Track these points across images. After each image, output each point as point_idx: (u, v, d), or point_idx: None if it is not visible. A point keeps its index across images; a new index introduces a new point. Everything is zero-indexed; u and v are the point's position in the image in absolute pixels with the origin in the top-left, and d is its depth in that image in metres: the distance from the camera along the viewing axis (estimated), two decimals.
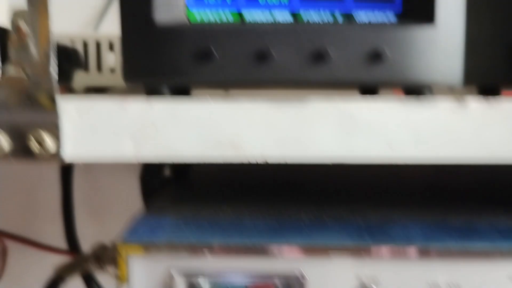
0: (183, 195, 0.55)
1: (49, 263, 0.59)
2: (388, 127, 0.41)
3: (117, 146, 0.41)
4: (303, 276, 0.38)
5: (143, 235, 0.38)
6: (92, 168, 0.91)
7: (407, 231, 0.40)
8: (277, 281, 0.38)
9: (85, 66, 0.66)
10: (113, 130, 0.41)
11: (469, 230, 0.40)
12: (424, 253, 0.37)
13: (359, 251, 0.37)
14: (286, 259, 0.38)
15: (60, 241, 0.81)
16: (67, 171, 0.84)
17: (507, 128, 0.40)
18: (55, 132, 0.41)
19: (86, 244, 0.68)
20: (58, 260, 0.59)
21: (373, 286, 0.38)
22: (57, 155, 0.41)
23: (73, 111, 0.41)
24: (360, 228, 0.41)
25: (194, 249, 0.37)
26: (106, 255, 0.51)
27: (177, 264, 0.38)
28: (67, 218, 0.83)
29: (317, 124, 0.41)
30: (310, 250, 0.37)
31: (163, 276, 0.38)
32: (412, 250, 0.37)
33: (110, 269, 0.51)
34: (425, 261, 0.38)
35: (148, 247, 0.37)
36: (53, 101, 0.41)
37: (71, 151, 0.41)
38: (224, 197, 0.49)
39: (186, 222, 0.42)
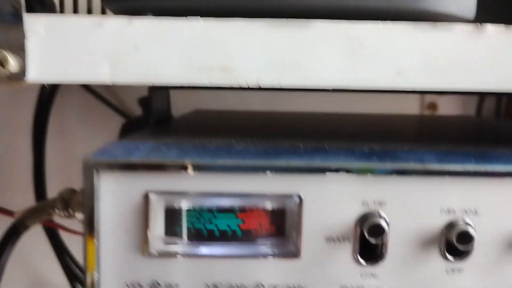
0: (165, 131, 0.50)
1: None
2: (398, 53, 0.36)
3: (91, 67, 0.36)
4: (300, 198, 0.33)
5: (117, 155, 0.33)
6: (67, 134, 0.86)
7: (420, 155, 0.35)
8: (270, 204, 0.33)
9: (60, 9, 0.60)
10: (86, 50, 0.36)
11: (485, 156, 0.36)
12: (438, 174, 0.33)
13: (364, 171, 0.33)
14: (281, 179, 0.33)
15: None
16: (39, 138, 0.80)
17: None
18: (19, 51, 0.36)
19: None
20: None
21: (379, 209, 0.33)
22: (20, 75, 0.36)
23: (40, 28, 0.36)
24: (367, 153, 0.36)
25: (175, 167, 0.32)
26: (74, 200, 0.46)
27: (155, 185, 0.32)
28: (39, 189, 0.80)
29: (320, 47, 0.36)
30: (309, 170, 0.33)
31: (138, 198, 0.33)
32: (423, 170, 0.33)
33: (79, 215, 0.46)
34: (438, 184, 0.33)
35: (122, 164, 0.32)
36: (18, 16, 0.36)
37: (36, 71, 0.36)
38: (210, 135, 0.44)
39: (168, 145, 0.37)
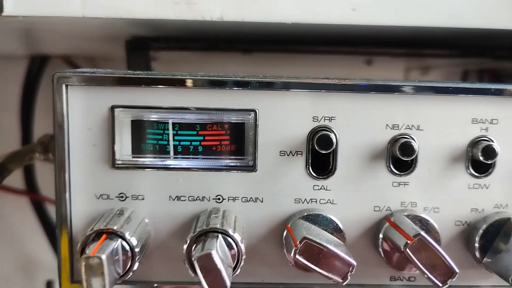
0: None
1: None
2: None
3: (64, 0, 0.39)
4: (255, 113, 0.36)
5: (85, 71, 0.35)
6: None
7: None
8: (228, 119, 0.36)
9: None
10: None
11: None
12: (383, 89, 0.36)
13: (316, 85, 0.36)
14: (240, 93, 0.36)
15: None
16: (27, 114, 0.82)
17: None
18: None
19: None
20: None
21: (328, 123, 0.36)
22: None
23: None
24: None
25: (140, 81, 0.35)
26: (53, 145, 0.48)
27: (121, 99, 0.35)
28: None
29: None
30: (265, 84, 0.35)
31: (105, 112, 0.35)
32: (369, 85, 0.36)
33: None
34: (384, 100, 0.36)
35: (88, 78, 0.34)
36: None
37: (12, 5, 0.38)
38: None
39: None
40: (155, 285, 0.39)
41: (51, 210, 0.82)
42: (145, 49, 0.63)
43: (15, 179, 0.80)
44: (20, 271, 0.90)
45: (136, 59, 0.61)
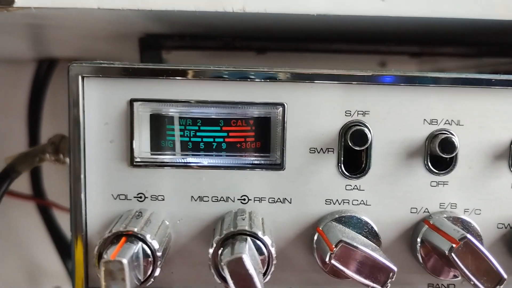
0: None
1: None
2: None
3: None
4: (284, 107, 0.33)
5: (102, 62, 0.33)
6: (62, 115, 0.86)
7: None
8: (254, 114, 0.34)
9: None
10: None
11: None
12: (420, 81, 0.33)
13: (349, 77, 0.33)
14: (266, 85, 0.33)
15: None
16: (34, 119, 0.80)
17: None
18: None
19: None
20: None
21: (361, 118, 0.34)
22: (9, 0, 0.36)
23: None
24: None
25: (163, 72, 0.32)
26: (64, 145, 0.46)
27: (139, 92, 0.33)
28: (34, 169, 0.80)
29: None
30: (294, 75, 0.33)
31: (123, 106, 0.33)
32: (404, 76, 0.33)
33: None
34: (421, 94, 0.34)
35: (105, 69, 0.32)
36: None
37: None
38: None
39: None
40: None
41: (58, 215, 0.80)
42: (157, 49, 0.62)
43: (22, 183, 0.78)
44: (26, 278, 0.88)
45: (148, 59, 0.59)
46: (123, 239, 0.30)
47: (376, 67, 0.78)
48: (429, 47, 0.66)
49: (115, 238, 0.30)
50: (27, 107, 0.80)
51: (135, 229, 0.30)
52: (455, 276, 0.35)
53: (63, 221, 0.80)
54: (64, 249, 0.79)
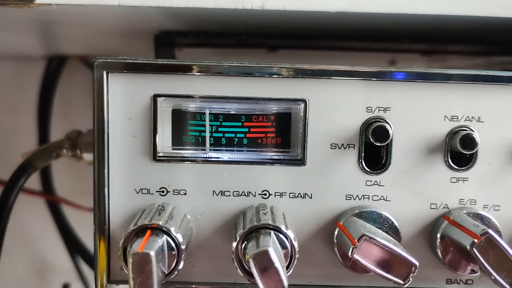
0: None
1: None
2: None
3: None
4: (305, 102, 0.33)
5: (126, 58, 0.33)
6: (72, 112, 0.86)
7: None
8: (275, 109, 0.34)
9: None
10: None
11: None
12: (440, 78, 0.34)
13: (371, 74, 0.33)
14: (288, 82, 0.34)
15: None
16: (44, 116, 0.81)
17: None
18: None
19: None
20: None
21: (382, 114, 0.34)
22: None
23: None
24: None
25: (187, 68, 0.33)
26: (81, 140, 0.46)
27: (163, 88, 0.33)
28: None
29: None
30: (316, 71, 0.33)
31: (146, 101, 0.33)
32: (425, 73, 0.34)
33: (86, 156, 0.47)
34: (442, 90, 0.34)
35: (130, 65, 0.32)
36: None
37: None
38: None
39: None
40: (193, 286, 0.37)
41: (67, 211, 0.80)
42: (171, 46, 0.62)
43: (31, 179, 0.79)
44: (36, 274, 0.88)
45: (162, 56, 0.59)
46: (148, 232, 0.30)
47: (386, 65, 0.78)
48: (439, 45, 0.66)
49: (140, 231, 0.30)
50: (37, 104, 0.80)
51: (160, 222, 0.30)
52: (473, 271, 0.35)
53: (73, 217, 0.81)
54: (73, 245, 0.80)
